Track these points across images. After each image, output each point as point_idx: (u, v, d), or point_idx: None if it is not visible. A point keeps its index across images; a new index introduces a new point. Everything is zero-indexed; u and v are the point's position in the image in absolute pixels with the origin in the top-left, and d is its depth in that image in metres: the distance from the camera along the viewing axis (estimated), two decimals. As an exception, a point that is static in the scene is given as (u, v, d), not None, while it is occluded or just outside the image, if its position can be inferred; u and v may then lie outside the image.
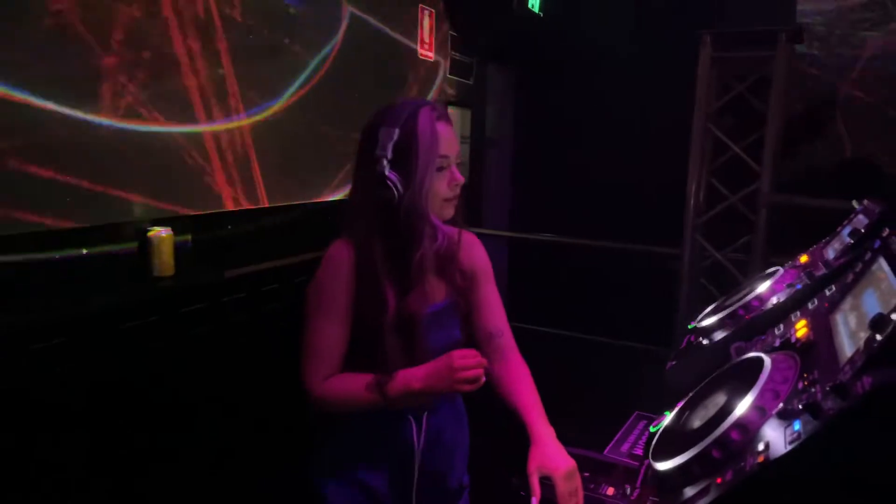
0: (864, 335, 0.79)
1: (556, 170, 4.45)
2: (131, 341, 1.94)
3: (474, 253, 1.53)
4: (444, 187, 1.36)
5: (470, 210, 4.44)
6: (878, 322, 0.73)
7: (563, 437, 1.54)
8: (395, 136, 1.31)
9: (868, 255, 0.98)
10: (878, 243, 0.97)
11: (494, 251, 4.46)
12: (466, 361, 1.22)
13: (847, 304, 0.93)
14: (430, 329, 1.40)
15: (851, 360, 0.76)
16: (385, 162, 1.31)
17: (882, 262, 0.90)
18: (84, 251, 2.00)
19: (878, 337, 0.73)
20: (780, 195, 3.08)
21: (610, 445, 2.06)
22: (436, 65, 3.83)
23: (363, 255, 1.34)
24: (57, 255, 1.92)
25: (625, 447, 2.01)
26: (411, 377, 1.29)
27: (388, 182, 1.30)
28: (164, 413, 1.99)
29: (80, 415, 1.78)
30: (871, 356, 0.72)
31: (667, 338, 3.22)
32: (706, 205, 3.39)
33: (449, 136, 1.37)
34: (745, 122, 3.30)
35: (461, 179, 1.37)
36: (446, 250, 1.43)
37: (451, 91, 4.02)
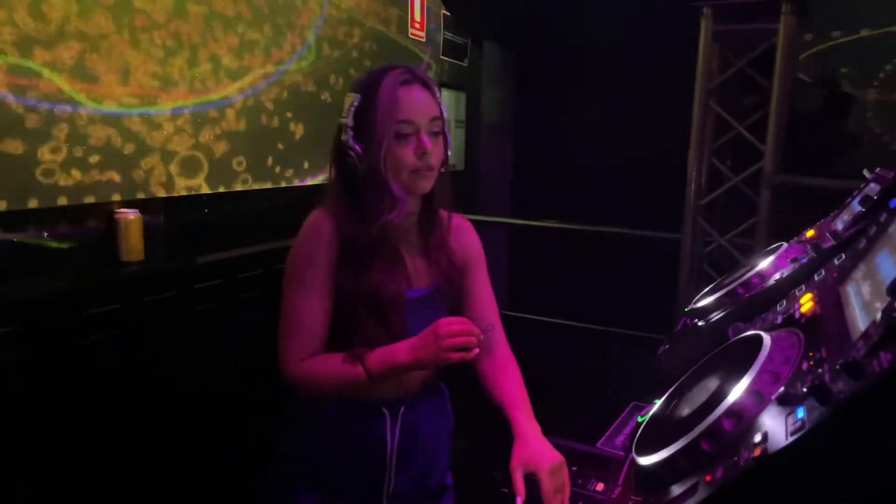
0: (880, 305, 0.66)
1: (557, 154, 4.32)
2: (93, 328, 1.83)
3: (467, 239, 1.44)
4: (409, 156, 1.25)
5: (466, 196, 4.35)
6: (899, 287, 0.60)
7: (555, 429, 1.45)
8: (357, 102, 1.25)
9: (884, 217, 0.85)
10: (894, 202, 0.85)
11: (494, 239, 4.33)
12: (454, 328, 1.13)
13: (859, 272, 0.81)
14: (414, 315, 1.29)
15: (866, 335, 0.64)
16: (348, 130, 1.25)
17: (901, 223, 0.77)
18: (45, 234, 1.90)
19: (899, 305, 0.60)
20: (785, 175, 2.94)
21: (603, 438, 1.93)
22: (427, 45, 3.70)
23: (339, 226, 1.26)
24: (15, 237, 1.81)
25: (619, 440, 1.89)
26: (396, 350, 1.20)
27: (350, 151, 1.24)
28: (125, 405, 1.88)
29: (34, 404, 1.67)
30: (889, 328, 0.60)
31: (669, 326, 3.10)
32: (708, 187, 3.25)
33: (413, 101, 1.25)
34: (749, 99, 3.16)
35: (428, 146, 1.25)
36: (433, 232, 1.35)
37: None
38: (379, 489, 1.37)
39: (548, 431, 1.39)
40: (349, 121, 1.25)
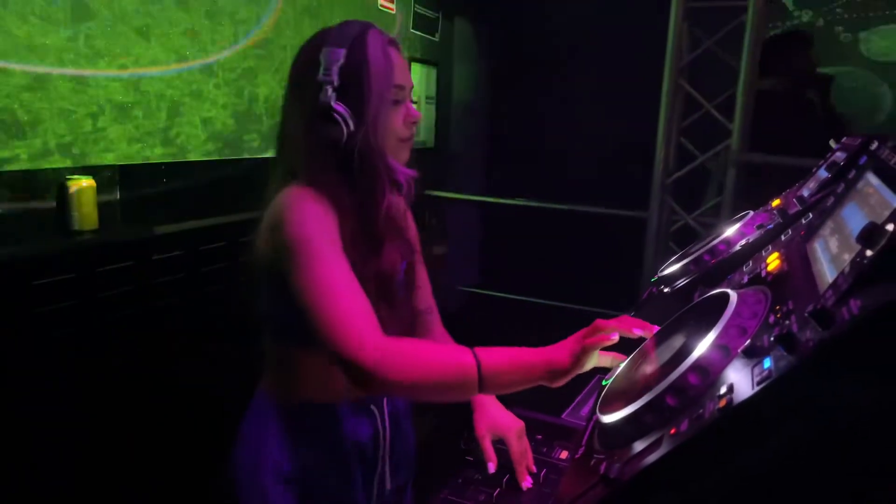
0: (848, 256, 0.65)
1: (527, 132, 4.30)
2: (44, 299, 1.76)
3: (410, 221, 1.37)
4: (398, 124, 1.16)
5: (437, 173, 4.31)
6: (870, 234, 0.59)
7: (522, 401, 1.45)
8: (342, 59, 1.09)
9: (852, 174, 0.84)
10: (864, 159, 0.84)
11: (465, 216, 4.31)
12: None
13: (827, 228, 0.80)
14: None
15: (835, 284, 0.63)
16: (330, 90, 1.08)
17: (870, 177, 0.76)
18: (-9, 199, 1.81)
19: (869, 252, 0.59)
20: (751, 154, 2.97)
21: (568, 409, 1.93)
22: (397, 18, 3.62)
23: (336, 209, 1.09)
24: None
25: (584, 411, 1.90)
26: (521, 350, 0.96)
27: (335, 115, 1.08)
28: (76, 379, 1.81)
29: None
30: (859, 275, 0.58)
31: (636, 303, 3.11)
32: (676, 165, 3.27)
33: (402, 65, 1.17)
34: (718, 78, 3.17)
35: (417, 115, 1.18)
36: (399, 207, 1.25)
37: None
38: (370, 486, 1.29)
39: (514, 403, 1.38)
40: (334, 79, 1.08)
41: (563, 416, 1.87)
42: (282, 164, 1.17)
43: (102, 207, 2.00)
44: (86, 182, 1.97)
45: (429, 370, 0.93)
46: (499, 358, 0.94)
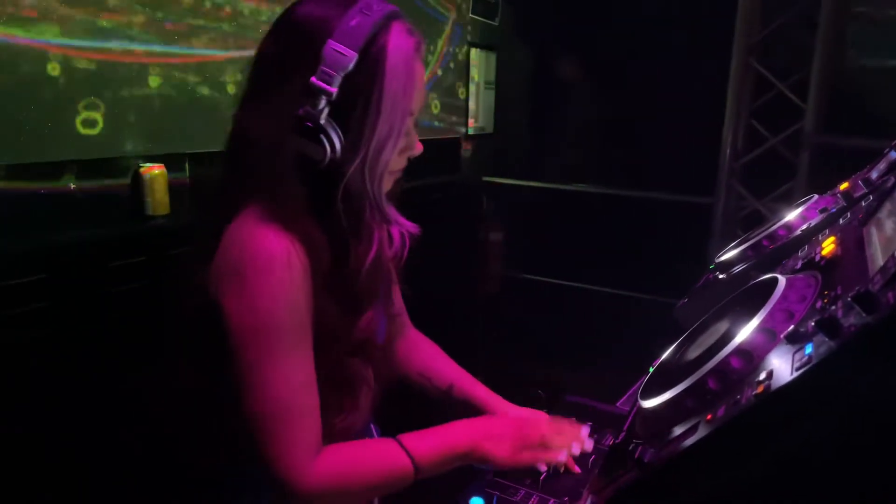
0: (902, 239, 0.62)
1: (589, 116, 4.22)
2: (119, 279, 1.86)
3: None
4: (400, 159, 0.93)
5: (495, 159, 4.28)
6: (921, 215, 0.56)
7: (581, 391, 1.45)
8: (351, 65, 0.82)
9: (916, 153, 0.80)
10: (929, 138, 0.79)
11: (523, 202, 4.25)
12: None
13: (884, 210, 0.76)
14: None
15: (884, 268, 0.60)
16: (324, 101, 0.82)
17: (933, 156, 0.72)
18: (72, 185, 1.92)
19: (921, 234, 0.56)
20: (826, 135, 2.82)
21: (623, 398, 1.91)
22: (453, 4, 3.61)
23: (311, 254, 0.87)
24: (42, 189, 1.84)
25: (639, 399, 1.87)
26: (450, 432, 0.93)
27: (321, 134, 0.82)
28: (148, 355, 1.90)
29: (56, 353, 1.71)
30: (908, 258, 0.55)
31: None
32: (745, 148, 3.13)
33: (422, 77, 0.91)
34: (792, 57, 3.02)
35: (420, 149, 0.95)
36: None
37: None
38: None
39: (573, 392, 1.39)
40: (333, 90, 0.81)
41: (618, 403, 1.85)
42: (240, 177, 0.90)
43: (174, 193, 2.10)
44: (157, 169, 2.07)
45: (361, 486, 0.90)
46: (433, 452, 0.91)
